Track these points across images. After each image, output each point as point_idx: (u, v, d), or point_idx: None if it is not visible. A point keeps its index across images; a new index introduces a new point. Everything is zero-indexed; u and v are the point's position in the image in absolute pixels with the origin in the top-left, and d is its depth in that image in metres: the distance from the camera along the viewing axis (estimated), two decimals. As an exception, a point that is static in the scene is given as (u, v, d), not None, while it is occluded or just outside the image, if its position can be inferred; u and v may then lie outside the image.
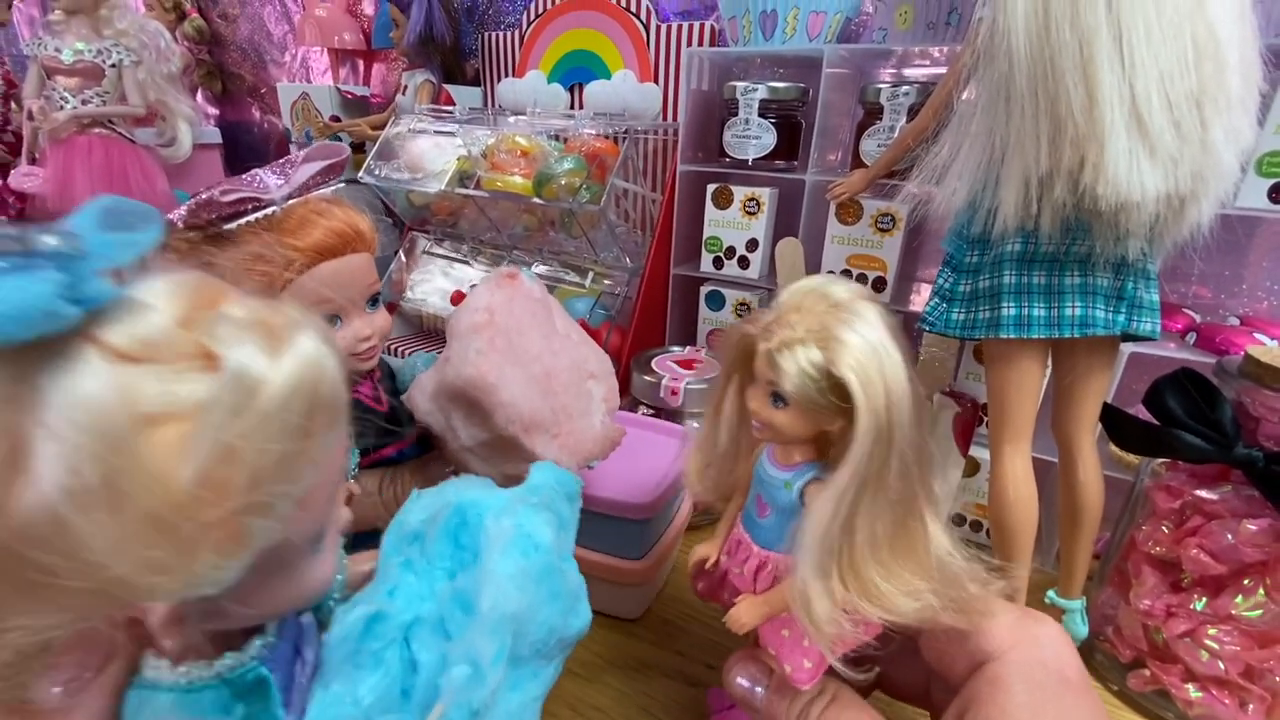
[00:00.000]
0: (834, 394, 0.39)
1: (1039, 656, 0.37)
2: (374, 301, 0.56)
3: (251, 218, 0.48)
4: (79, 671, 0.25)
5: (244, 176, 0.51)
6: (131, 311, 0.21)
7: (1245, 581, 0.59)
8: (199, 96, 2.09)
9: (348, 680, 0.30)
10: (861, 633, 0.42)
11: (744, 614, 0.47)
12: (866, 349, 0.37)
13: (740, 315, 1.08)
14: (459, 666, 0.30)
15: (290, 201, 0.51)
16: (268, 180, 0.51)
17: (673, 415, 0.93)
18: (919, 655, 0.44)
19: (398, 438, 0.60)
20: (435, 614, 0.32)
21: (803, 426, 0.42)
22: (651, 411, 0.95)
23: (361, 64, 1.78)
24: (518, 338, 0.54)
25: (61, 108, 1.36)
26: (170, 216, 0.48)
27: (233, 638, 0.29)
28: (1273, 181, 0.68)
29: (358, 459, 0.55)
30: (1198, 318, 0.82)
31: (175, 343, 0.21)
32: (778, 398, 0.42)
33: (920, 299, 0.97)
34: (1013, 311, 0.60)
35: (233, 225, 0.48)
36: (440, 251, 1.29)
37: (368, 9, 1.69)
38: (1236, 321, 0.80)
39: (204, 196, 0.47)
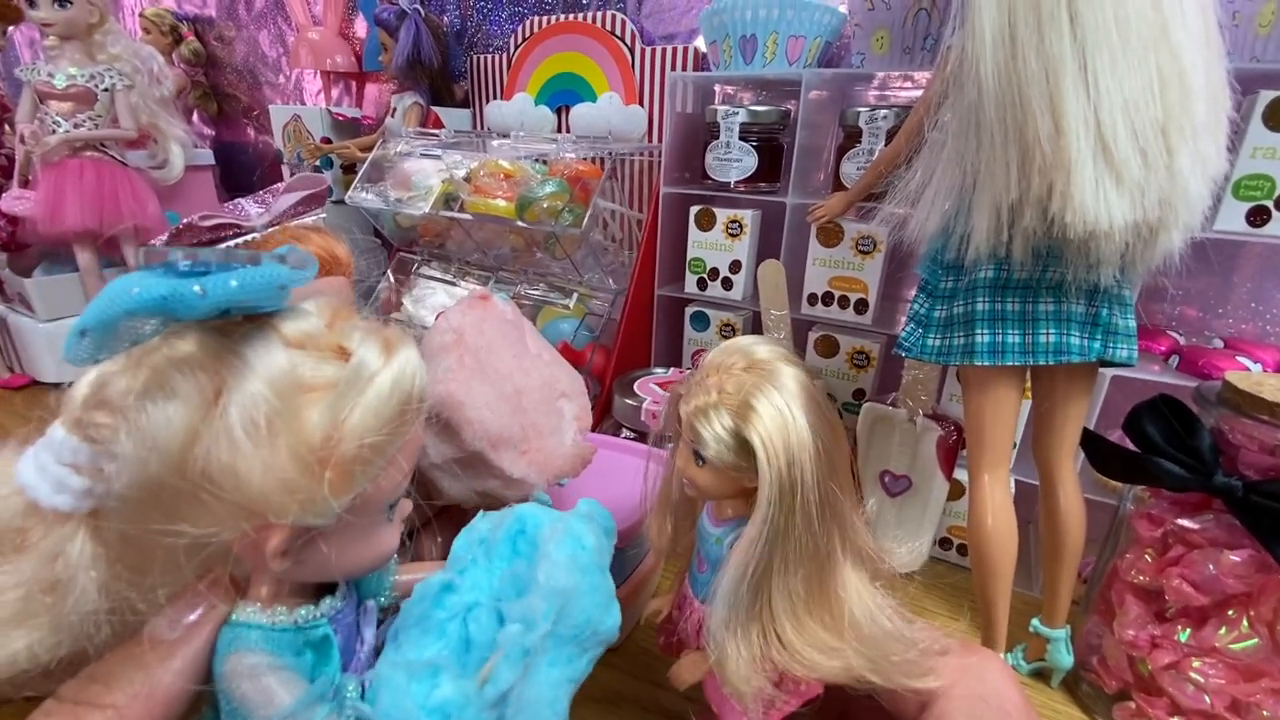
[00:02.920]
0: (745, 455, 0.41)
1: (980, 691, 0.39)
2: None
3: (232, 243, 0.50)
4: (185, 613, 0.33)
5: (226, 205, 0.52)
6: (299, 315, 0.32)
7: (1229, 613, 0.58)
8: (194, 118, 2.11)
9: (415, 643, 0.36)
10: (787, 695, 0.42)
11: (685, 670, 0.47)
12: (773, 414, 0.39)
13: (725, 336, 1.08)
14: (514, 624, 0.36)
15: (270, 229, 0.52)
16: (249, 209, 0.53)
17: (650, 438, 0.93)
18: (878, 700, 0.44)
19: None
20: (492, 599, 0.38)
21: (722, 485, 0.44)
22: (634, 435, 0.94)
23: (355, 86, 1.79)
24: (488, 356, 0.56)
25: (54, 131, 1.37)
26: (153, 242, 0.49)
27: (309, 597, 0.36)
28: (1250, 205, 0.68)
29: None
30: (1182, 340, 0.81)
31: (324, 339, 0.32)
32: (699, 457, 0.43)
33: (902, 320, 0.97)
34: (987, 338, 0.59)
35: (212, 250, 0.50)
36: (428, 273, 1.29)
37: (360, 32, 1.70)
38: (1220, 344, 0.79)
39: (185, 222, 0.48)
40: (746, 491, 0.44)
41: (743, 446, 0.40)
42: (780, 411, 0.39)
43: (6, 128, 1.56)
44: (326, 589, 0.37)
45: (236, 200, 0.53)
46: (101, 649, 0.32)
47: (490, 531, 0.42)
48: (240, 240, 0.51)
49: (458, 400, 0.51)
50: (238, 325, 0.30)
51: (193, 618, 0.32)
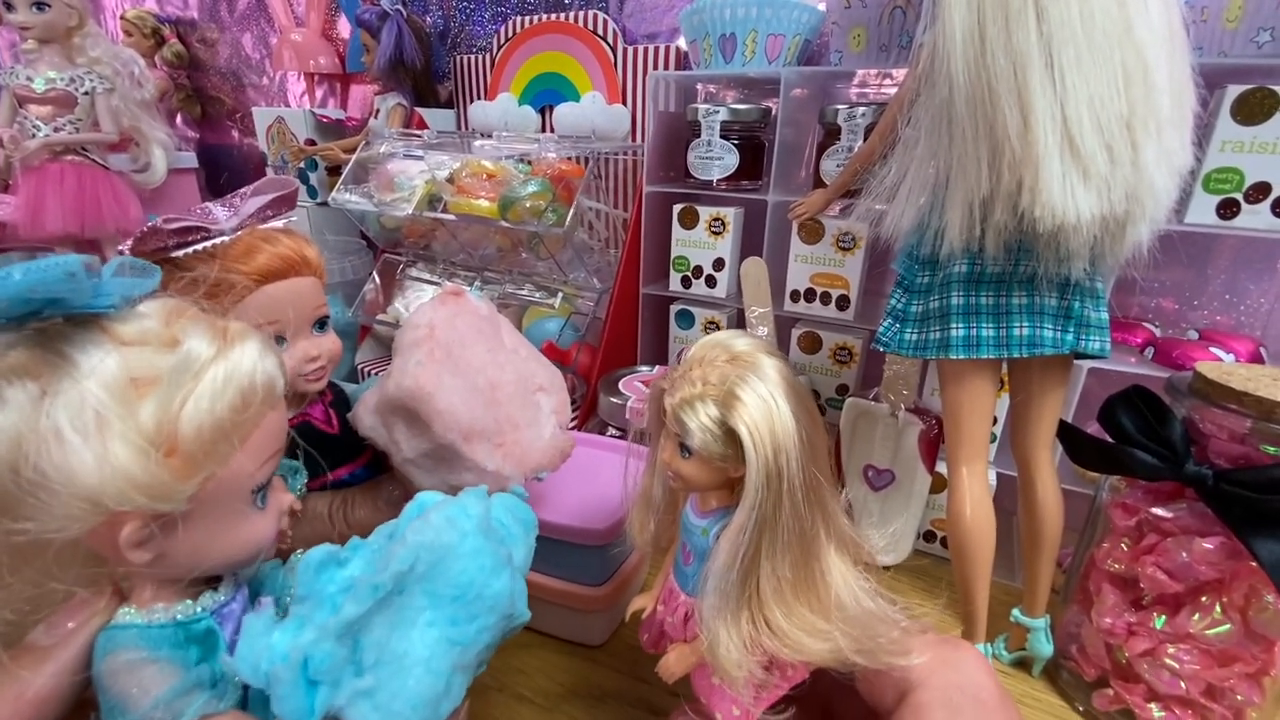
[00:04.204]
0: (731, 444, 0.41)
1: (956, 681, 0.40)
2: (321, 325, 0.58)
3: (199, 246, 0.50)
4: (64, 621, 0.34)
5: (193, 208, 0.52)
6: (133, 316, 0.33)
7: (1203, 599, 0.59)
8: (178, 121, 2.10)
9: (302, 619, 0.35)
10: (776, 679, 0.43)
11: (674, 663, 0.48)
12: (757, 402, 0.40)
13: (709, 333, 1.08)
14: (363, 564, 0.36)
15: (238, 231, 0.53)
16: (217, 213, 0.53)
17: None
18: (858, 691, 0.45)
19: (349, 459, 0.61)
20: (371, 567, 0.37)
21: (708, 475, 0.44)
22: (619, 433, 0.94)
23: (339, 87, 1.79)
24: (460, 350, 0.56)
25: (34, 135, 1.36)
26: (120, 248, 0.49)
27: (190, 594, 0.37)
28: (1220, 198, 0.69)
29: (304, 479, 0.57)
30: (1158, 332, 0.82)
31: (159, 335, 0.33)
32: (684, 449, 0.44)
33: (882, 313, 0.98)
34: (961, 332, 0.60)
35: (180, 253, 0.50)
36: (414, 274, 1.29)
37: (343, 33, 1.70)
38: (1196, 335, 0.80)
39: (150, 226, 0.49)
40: (731, 482, 0.45)
41: (728, 435, 0.41)
42: (764, 400, 0.40)
43: (-15, 132, 1.56)
44: (211, 586, 0.39)
45: (205, 204, 0.53)
46: None
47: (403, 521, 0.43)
48: (209, 243, 0.52)
49: (426, 392, 0.52)
50: (65, 329, 0.31)
51: (70, 625, 0.34)
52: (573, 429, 0.78)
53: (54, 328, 0.31)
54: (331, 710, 0.33)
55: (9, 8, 1.32)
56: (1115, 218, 0.51)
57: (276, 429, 0.38)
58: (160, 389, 0.31)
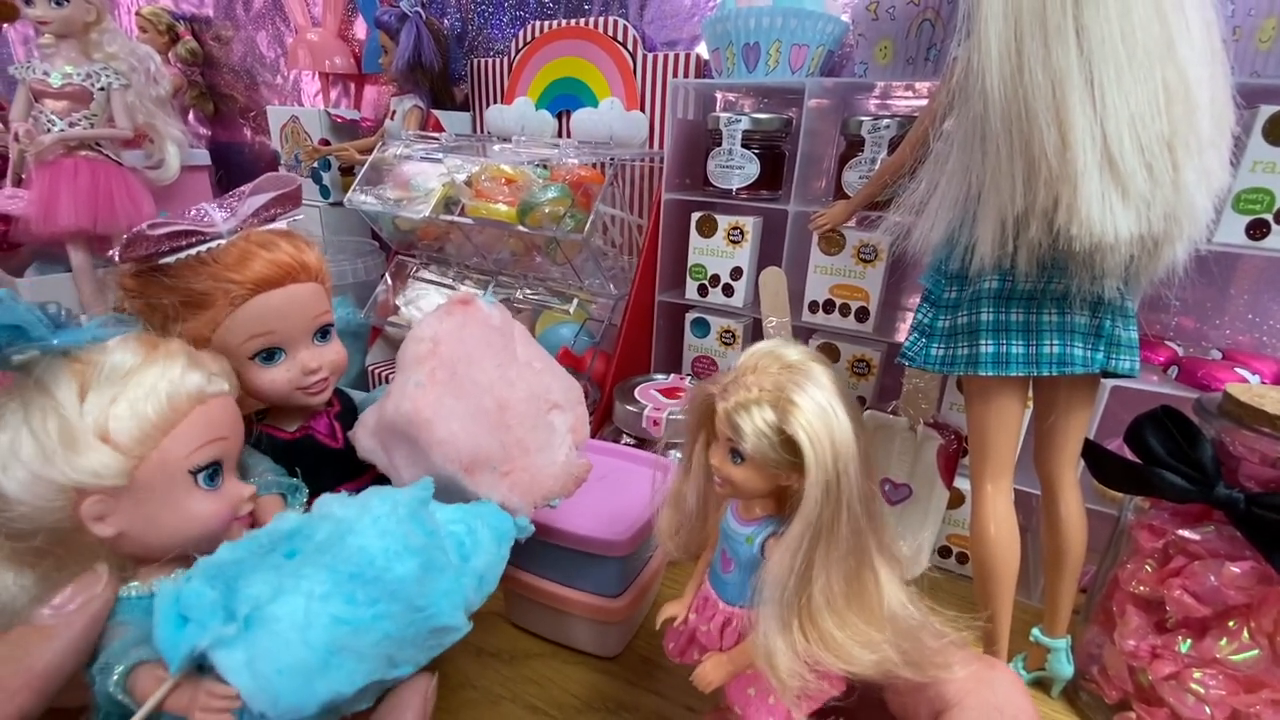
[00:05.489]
0: (787, 450, 0.41)
1: (994, 701, 0.40)
2: (324, 334, 0.55)
3: (192, 252, 0.48)
4: (66, 602, 0.39)
5: (188, 210, 0.50)
6: (98, 348, 0.41)
7: (1230, 624, 0.58)
8: (190, 118, 2.10)
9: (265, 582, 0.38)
10: (826, 687, 0.42)
11: (711, 672, 0.47)
12: (816, 409, 0.40)
13: (725, 342, 1.08)
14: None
15: (235, 234, 0.50)
16: (213, 214, 0.50)
17: (655, 446, 0.92)
18: (885, 708, 0.44)
19: (354, 476, 0.58)
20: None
21: (760, 481, 0.44)
22: (634, 441, 0.94)
23: (353, 87, 1.79)
24: (465, 368, 0.52)
25: (49, 130, 1.35)
26: (110, 254, 0.48)
27: (169, 572, 0.43)
28: (1250, 218, 0.68)
29: (305, 497, 0.54)
30: (1180, 350, 0.81)
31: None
32: (736, 454, 0.43)
33: (903, 328, 0.97)
34: (991, 349, 0.59)
35: (171, 259, 0.48)
36: (426, 276, 1.28)
37: (359, 33, 1.70)
38: (1219, 355, 0.80)
39: (134, 232, 0.47)
40: (780, 489, 0.45)
41: (785, 442, 0.41)
42: (822, 406, 0.40)
43: (0, 126, 1.55)
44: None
45: (200, 205, 0.51)
46: None
47: None
48: (202, 248, 0.50)
49: (424, 418, 0.48)
50: (43, 362, 0.40)
51: (72, 607, 0.39)
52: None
53: (37, 363, 0.39)
54: (198, 648, 0.35)
55: (28, 2, 1.32)
56: (1153, 237, 0.51)
57: (208, 420, 0.43)
58: (94, 392, 0.40)
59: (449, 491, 0.50)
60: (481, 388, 0.52)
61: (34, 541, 0.39)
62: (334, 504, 0.40)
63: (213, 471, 0.43)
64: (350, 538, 0.37)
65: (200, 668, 0.36)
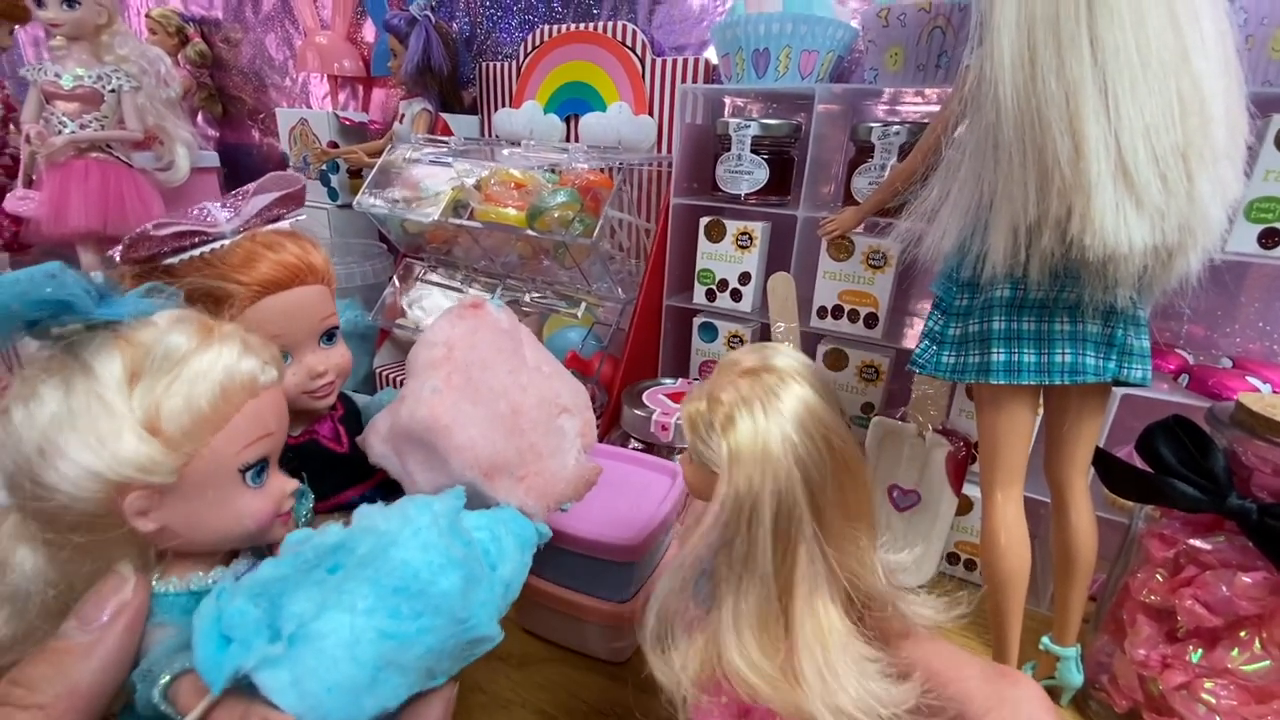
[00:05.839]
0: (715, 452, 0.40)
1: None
2: (330, 336, 0.55)
3: (195, 252, 0.47)
4: (95, 614, 0.36)
5: (190, 210, 0.49)
6: (144, 323, 0.38)
7: (1241, 634, 0.58)
8: (199, 119, 2.11)
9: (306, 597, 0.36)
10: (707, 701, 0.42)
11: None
12: (750, 435, 0.38)
13: (733, 347, 1.08)
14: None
15: (239, 234, 0.49)
16: (217, 214, 0.49)
17: (663, 450, 0.93)
18: None
19: (360, 480, 0.58)
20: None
21: (700, 481, 0.43)
22: (642, 446, 0.94)
23: (361, 89, 1.79)
24: (479, 373, 0.51)
25: (60, 132, 1.36)
26: (110, 253, 0.47)
27: (208, 567, 0.41)
28: (1262, 227, 0.68)
29: (311, 502, 0.53)
30: (1190, 358, 0.81)
31: (159, 336, 0.38)
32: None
33: (912, 334, 0.97)
34: (1002, 357, 0.59)
35: (175, 260, 0.47)
36: (434, 279, 1.29)
37: (368, 36, 1.71)
38: (1229, 363, 0.80)
39: (139, 232, 0.46)
40: None
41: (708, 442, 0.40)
42: (758, 434, 0.38)
43: (12, 127, 1.56)
44: (226, 563, 0.43)
45: (203, 204, 0.50)
46: (39, 634, 0.38)
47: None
48: (208, 248, 0.49)
49: (443, 424, 0.47)
50: (86, 337, 0.37)
51: (104, 619, 0.36)
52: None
53: (79, 338, 0.36)
54: (242, 669, 0.33)
55: (39, 4, 1.33)
56: (1167, 247, 0.51)
57: (258, 414, 0.41)
58: (146, 379, 0.36)
59: (467, 498, 0.49)
60: (496, 393, 0.52)
61: (64, 530, 0.37)
62: (376, 516, 0.38)
63: (260, 468, 0.41)
64: (393, 550, 0.36)
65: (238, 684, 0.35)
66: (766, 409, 0.38)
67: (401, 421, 0.49)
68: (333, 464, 0.57)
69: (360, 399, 0.63)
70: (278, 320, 0.50)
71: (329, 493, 0.55)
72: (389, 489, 0.57)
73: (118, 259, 0.47)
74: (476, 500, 0.50)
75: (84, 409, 0.35)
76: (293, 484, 0.45)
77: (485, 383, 0.51)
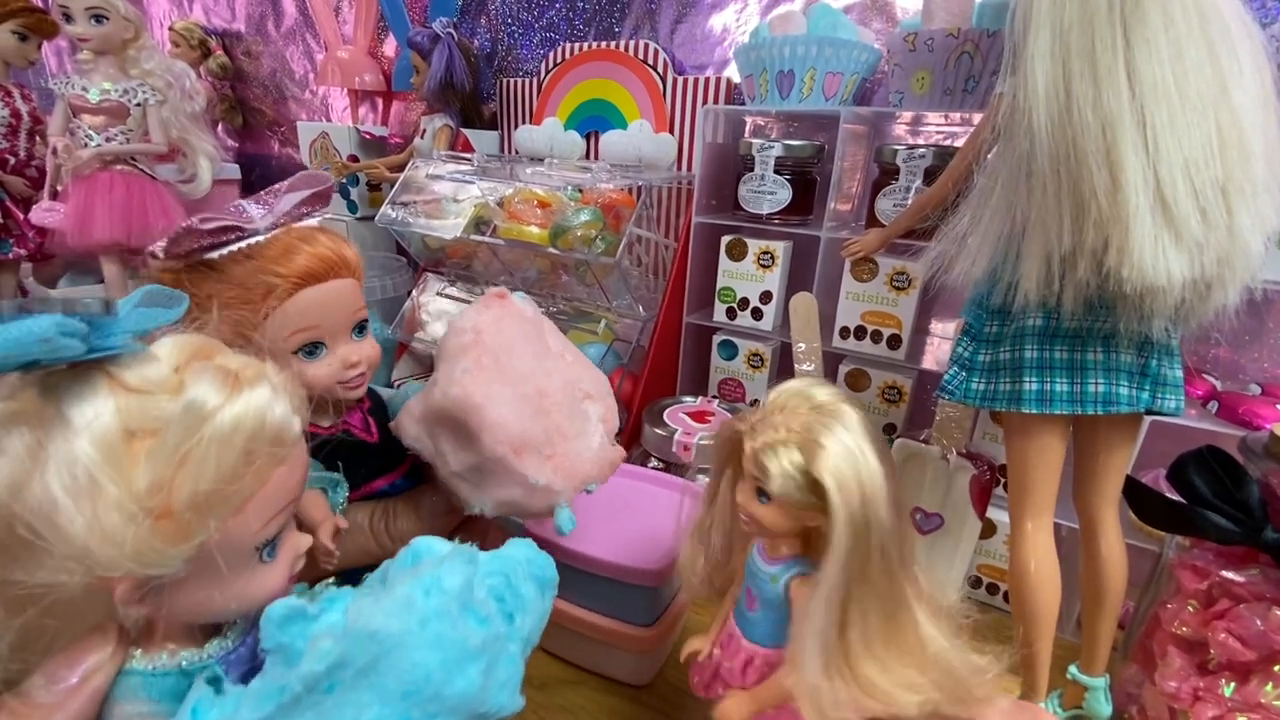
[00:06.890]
0: (813, 493, 0.41)
1: None
2: (360, 329, 0.56)
3: (234, 246, 0.49)
4: (65, 673, 0.31)
5: (227, 207, 0.50)
6: (143, 360, 0.30)
7: (1276, 669, 0.57)
8: (219, 130, 2.13)
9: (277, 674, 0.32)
10: None
11: (731, 710, 0.47)
12: (843, 453, 0.40)
13: (753, 365, 1.08)
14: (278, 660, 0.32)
15: (274, 230, 0.51)
16: (251, 210, 0.51)
17: (684, 470, 0.92)
18: None
19: (389, 469, 0.59)
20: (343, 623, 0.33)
21: (785, 522, 0.44)
22: (662, 465, 0.94)
23: (381, 103, 1.81)
24: (507, 357, 0.54)
25: (86, 145, 1.38)
26: (152, 248, 0.48)
27: (199, 638, 0.35)
28: (1293, 255, 0.68)
29: (346, 492, 0.54)
30: (1218, 384, 0.81)
31: (166, 381, 0.30)
32: (763, 494, 0.43)
33: (934, 353, 0.97)
34: (1035, 386, 0.59)
35: (215, 255, 0.48)
36: (453, 293, 1.29)
37: (388, 51, 1.72)
38: (1258, 389, 0.79)
39: (184, 226, 0.47)
40: (806, 530, 0.45)
41: (810, 484, 0.41)
42: (850, 450, 0.40)
43: (38, 139, 1.59)
44: (219, 627, 0.36)
45: (237, 202, 0.51)
46: None
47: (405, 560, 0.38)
48: (245, 243, 0.50)
49: (475, 402, 0.49)
50: (65, 379, 0.29)
51: (73, 680, 0.31)
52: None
53: (56, 376, 0.29)
54: None
55: (68, 19, 1.35)
56: (1205, 280, 0.50)
57: (285, 485, 0.34)
58: (157, 445, 0.29)
59: (496, 475, 0.51)
60: (523, 376, 0.54)
61: (35, 615, 0.30)
62: (374, 615, 0.32)
63: (277, 539, 0.36)
64: (398, 652, 0.31)
65: None
66: (845, 430, 0.41)
67: (434, 401, 0.51)
68: (365, 453, 0.58)
69: (385, 392, 0.65)
70: (315, 311, 0.51)
71: (360, 482, 0.57)
72: (416, 476, 0.60)
73: (160, 255, 0.48)
74: (505, 476, 0.51)
75: (68, 486, 0.27)
76: (305, 540, 0.39)
77: (513, 366, 0.54)
